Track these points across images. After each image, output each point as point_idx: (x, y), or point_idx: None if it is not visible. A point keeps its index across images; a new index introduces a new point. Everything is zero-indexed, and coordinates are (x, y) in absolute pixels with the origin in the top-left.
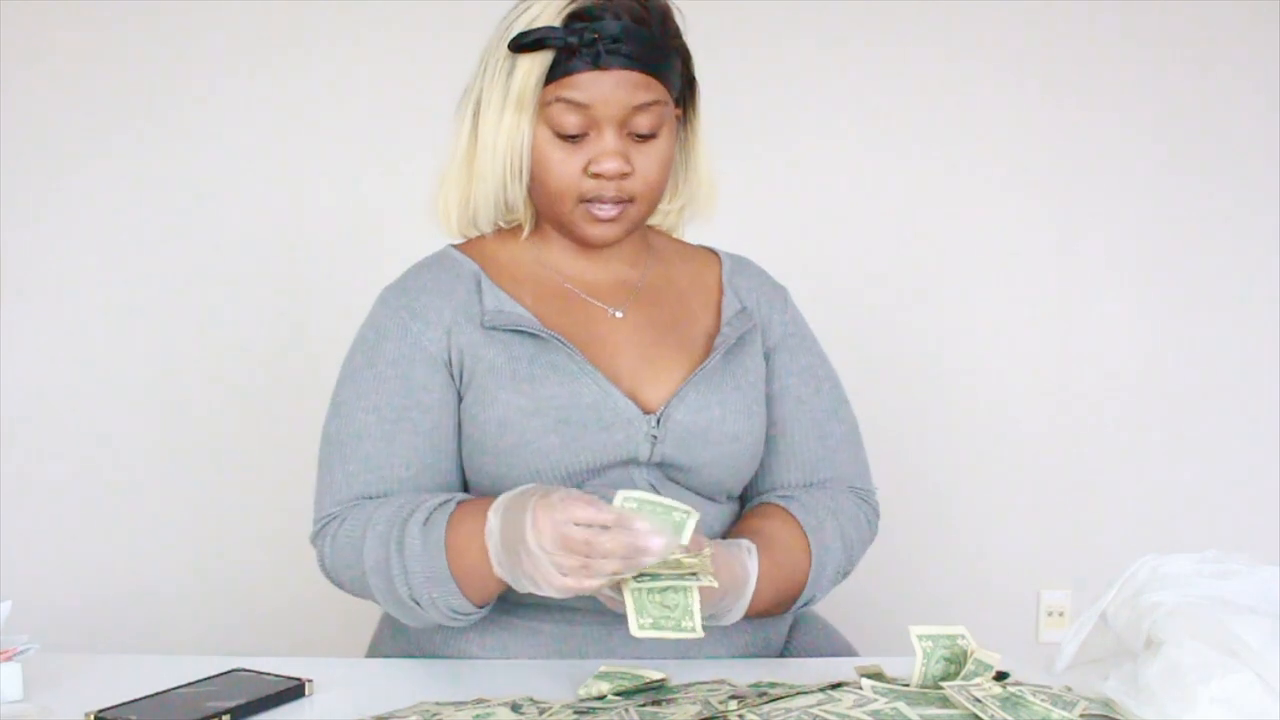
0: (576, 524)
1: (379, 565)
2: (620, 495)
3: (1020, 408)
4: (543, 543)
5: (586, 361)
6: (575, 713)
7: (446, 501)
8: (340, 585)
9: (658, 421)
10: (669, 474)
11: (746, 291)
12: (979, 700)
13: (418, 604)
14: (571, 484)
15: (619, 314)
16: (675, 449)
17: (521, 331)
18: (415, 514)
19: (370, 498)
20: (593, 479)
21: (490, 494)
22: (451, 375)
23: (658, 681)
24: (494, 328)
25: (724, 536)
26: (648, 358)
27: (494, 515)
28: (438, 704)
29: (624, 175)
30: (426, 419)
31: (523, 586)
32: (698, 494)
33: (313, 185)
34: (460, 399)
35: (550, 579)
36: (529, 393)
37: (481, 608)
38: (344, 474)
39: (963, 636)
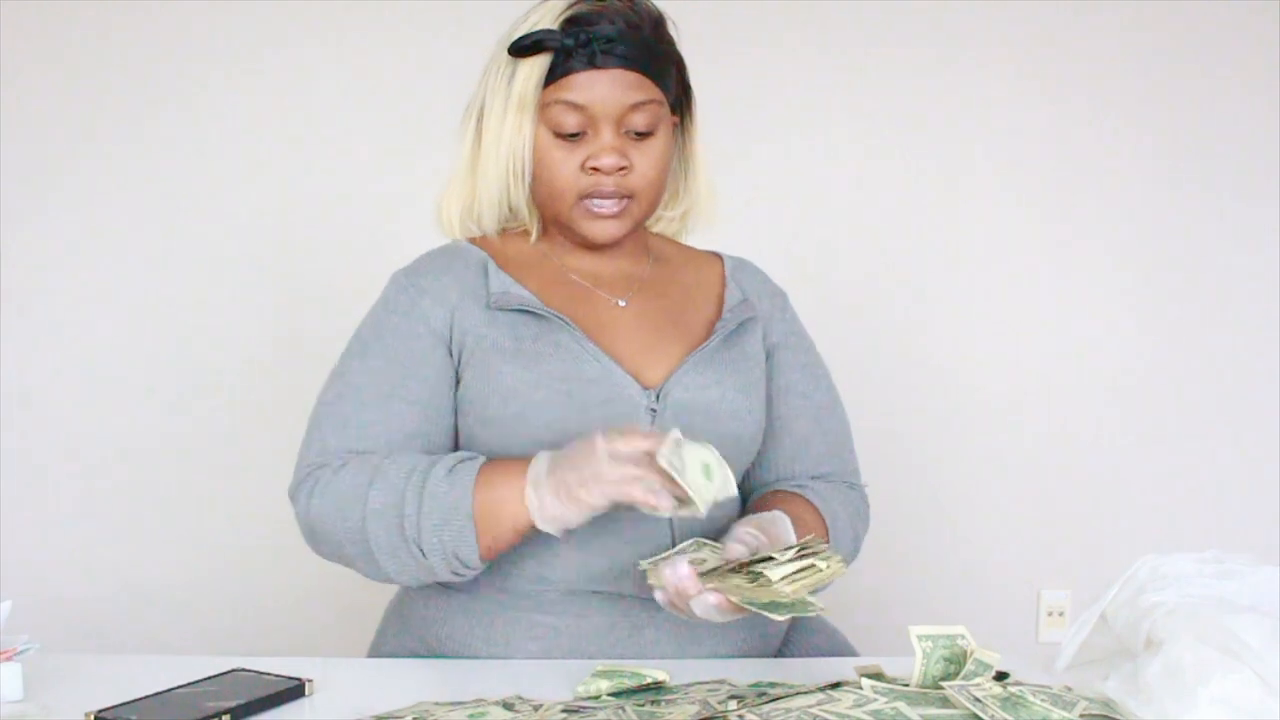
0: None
1: (386, 509)
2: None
3: (1020, 408)
4: (613, 451)
5: (589, 340)
6: (568, 711)
7: (472, 458)
8: (316, 536)
9: (657, 397)
10: None
11: (749, 288)
12: (979, 700)
13: (420, 551)
14: None
15: (622, 303)
16: (675, 425)
17: (525, 312)
18: (440, 463)
19: (341, 452)
20: None
21: None
22: (451, 354)
23: (657, 682)
24: (499, 309)
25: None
26: (649, 342)
27: (542, 457)
28: (435, 704)
29: (621, 170)
30: (423, 390)
31: (549, 511)
32: None
33: (315, 186)
34: (459, 380)
35: (608, 485)
36: (533, 367)
37: (482, 563)
38: (334, 430)
39: (963, 636)
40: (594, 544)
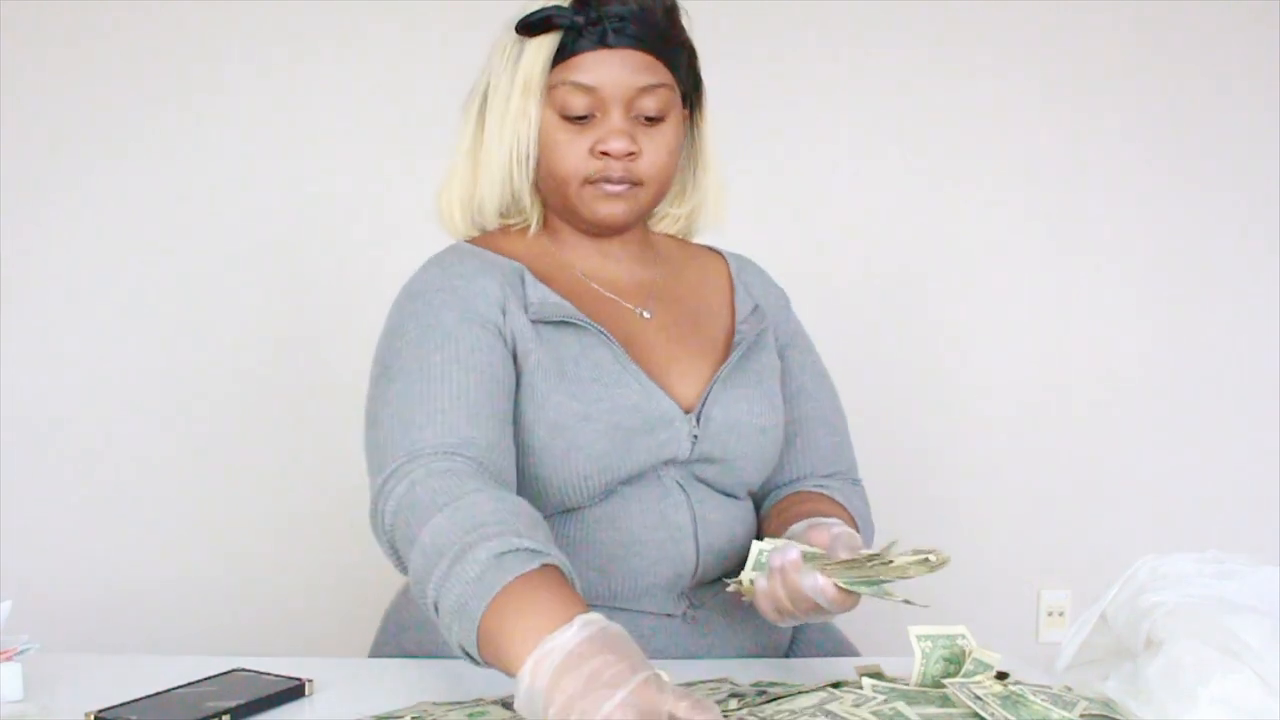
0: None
1: (433, 550)
2: None
3: (1020, 408)
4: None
5: (629, 360)
6: None
7: (537, 552)
8: (387, 532)
9: (697, 420)
10: (696, 470)
11: (756, 290)
12: (979, 698)
13: (436, 611)
14: (613, 485)
15: (646, 314)
16: (713, 446)
17: (565, 324)
18: (498, 538)
19: (439, 452)
20: (631, 482)
21: (531, 493)
22: (509, 348)
23: None
24: (540, 320)
25: (758, 528)
26: (674, 356)
27: (556, 649)
28: (434, 704)
29: (630, 155)
30: (487, 383)
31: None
32: (721, 491)
33: (316, 187)
34: (518, 379)
35: None
36: (580, 395)
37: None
38: (403, 431)
39: (963, 636)
40: (613, 568)
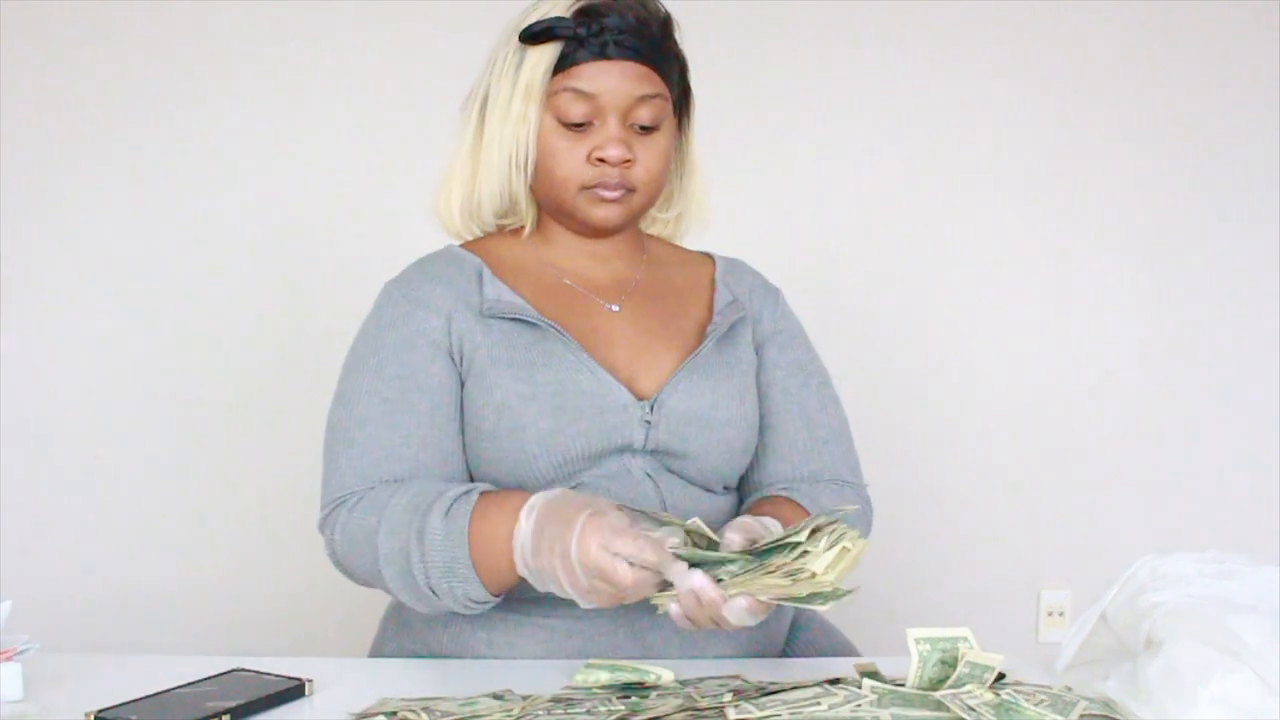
0: (618, 555)
1: (394, 554)
2: (672, 540)
3: (1021, 408)
4: (585, 561)
5: (582, 350)
6: (555, 700)
7: (468, 492)
8: (347, 573)
9: (651, 407)
10: (665, 462)
11: (739, 288)
12: (973, 709)
13: (434, 593)
14: (566, 470)
15: (615, 308)
16: (669, 435)
17: (519, 320)
18: (436, 504)
19: (374, 483)
20: (589, 467)
21: (488, 479)
22: (453, 359)
23: (653, 686)
24: (493, 316)
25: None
26: (643, 349)
27: (525, 517)
28: (426, 698)
29: (626, 163)
30: (426, 399)
31: (546, 587)
32: (694, 484)
33: (319, 188)
34: (463, 384)
35: (580, 595)
36: (526, 378)
37: (496, 596)
38: (347, 459)
39: (965, 639)
40: None
